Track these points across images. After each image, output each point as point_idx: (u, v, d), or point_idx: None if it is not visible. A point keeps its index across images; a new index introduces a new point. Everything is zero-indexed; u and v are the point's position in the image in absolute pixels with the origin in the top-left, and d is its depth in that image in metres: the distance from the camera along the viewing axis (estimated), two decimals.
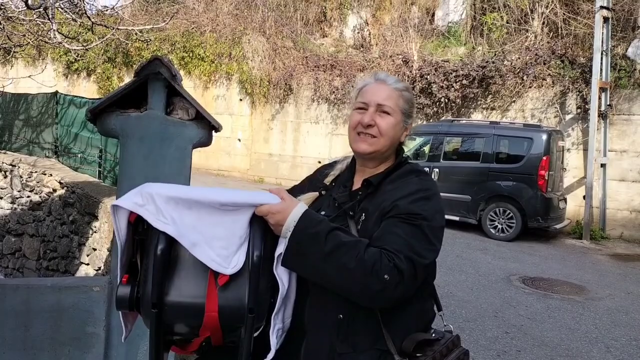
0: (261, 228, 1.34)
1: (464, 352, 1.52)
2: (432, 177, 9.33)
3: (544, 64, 10.54)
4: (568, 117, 10.39)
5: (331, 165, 1.74)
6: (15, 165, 10.36)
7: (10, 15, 6.96)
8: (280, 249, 1.36)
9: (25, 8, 5.77)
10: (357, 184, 1.60)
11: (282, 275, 1.37)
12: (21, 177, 10.04)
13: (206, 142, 2.67)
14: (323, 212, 1.53)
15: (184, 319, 1.31)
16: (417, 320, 1.47)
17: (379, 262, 1.28)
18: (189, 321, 1.31)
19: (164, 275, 1.27)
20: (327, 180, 1.66)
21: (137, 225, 1.35)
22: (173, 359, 2.48)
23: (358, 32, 14.56)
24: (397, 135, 1.57)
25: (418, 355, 1.39)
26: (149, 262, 1.29)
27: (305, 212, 1.35)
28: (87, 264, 7.38)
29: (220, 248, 1.29)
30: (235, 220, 1.32)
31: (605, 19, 9.68)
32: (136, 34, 11.04)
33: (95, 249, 7.17)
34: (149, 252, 1.30)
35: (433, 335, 1.46)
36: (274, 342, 1.38)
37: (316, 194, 1.62)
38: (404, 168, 1.56)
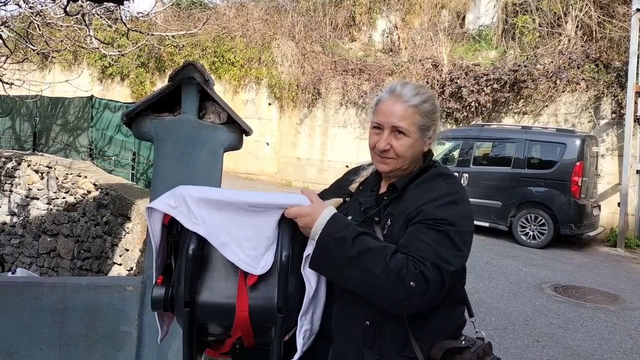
0: (290, 229, 1.36)
1: None
2: (462, 182, 9.27)
3: (578, 68, 10.33)
4: (602, 122, 10.15)
5: (356, 171, 1.72)
6: (51, 167, 10.66)
7: (48, 21, 7.17)
8: (309, 249, 1.37)
9: (64, 14, 5.95)
10: (384, 188, 1.59)
11: (309, 276, 1.38)
12: (57, 178, 10.33)
13: (237, 145, 2.71)
14: (350, 217, 1.52)
15: (215, 318, 1.33)
16: (446, 327, 1.44)
17: (405, 268, 1.27)
18: (220, 320, 1.34)
19: (195, 274, 1.29)
20: (352, 187, 1.65)
21: (171, 227, 1.39)
22: None
23: (387, 36, 14.53)
24: (416, 152, 1.53)
25: None
26: (182, 263, 1.32)
27: (333, 215, 1.35)
28: (120, 264, 7.54)
29: (249, 249, 1.32)
30: (264, 222, 1.34)
31: None
32: (169, 39, 11.26)
33: (127, 250, 7.32)
34: (182, 253, 1.33)
35: (463, 342, 1.43)
36: (300, 342, 1.38)
37: (340, 200, 1.61)
38: (431, 172, 1.53)
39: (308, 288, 1.38)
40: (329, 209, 1.37)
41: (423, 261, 1.28)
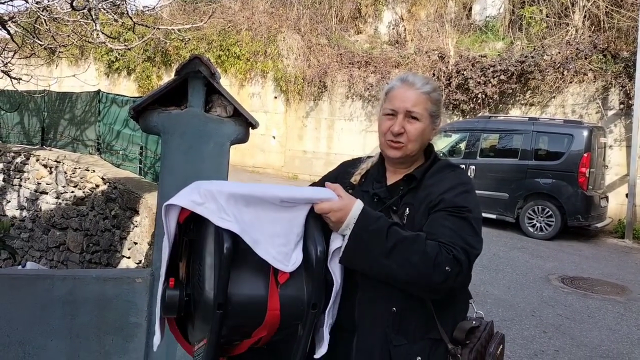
0: (319, 224, 1.35)
1: (502, 337, 1.57)
2: (469, 174, 9.25)
3: (585, 58, 10.26)
4: (610, 112, 10.08)
5: (354, 164, 1.75)
6: (60, 162, 10.73)
7: (55, 16, 7.20)
8: (336, 244, 1.36)
9: (70, 9, 5.98)
10: (391, 179, 1.63)
11: (336, 270, 1.38)
12: (65, 173, 10.40)
13: (243, 138, 2.72)
14: None
15: (244, 318, 1.28)
16: (462, 309, 1.53)
17: (440, 254, 1.33)
18: (249, 321, 1.29)
19: (229, 274, 1.23)
20: (354, 180, 1.68)
21: (187, 225, 1.34)
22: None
23: (393, 28, 14.46)
24: (426, 138, 1.60)
25: (467, 342, 1.44)
26: (204, 263, 1.27)
27: (363, 209, 1.38)
28: (129, 257, 7.60)
29: (280, 245, 1.29)
30: (293, 218, 1.32)
31: None
32: (175, 33, 11.28)
33: (136, 243, 7.38)
34: (203, 253, 1.28)
35: (474, 322, 1.51)
36: (327, 337, 1.39)
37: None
38: (439, 163, 1.60)
39: (335, 282, 1.38)
40: (358, 202, 1.39)
41: (454, 246, 1.35)
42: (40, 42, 7.61)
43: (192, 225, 1.34)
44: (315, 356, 1.38)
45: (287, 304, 1.28)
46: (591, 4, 10.72)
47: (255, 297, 1.27)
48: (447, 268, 1.32)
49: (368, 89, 13.08)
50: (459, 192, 1.47)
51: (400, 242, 1.33)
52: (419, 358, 1.42)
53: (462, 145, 9.95)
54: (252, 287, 1.28)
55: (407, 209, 1.50)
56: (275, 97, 14.88)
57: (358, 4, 14.94)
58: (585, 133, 8.58)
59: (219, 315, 1.22)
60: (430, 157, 1.62)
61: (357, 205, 1.37)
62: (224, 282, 1.22)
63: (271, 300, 1.27)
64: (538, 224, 8.84)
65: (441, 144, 10.05)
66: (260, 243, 1.27)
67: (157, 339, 1.43)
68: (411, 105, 1.53)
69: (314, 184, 1.79)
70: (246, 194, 1.28)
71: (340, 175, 1.74)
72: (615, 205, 9.75)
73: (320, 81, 13.98)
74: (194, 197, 1.27)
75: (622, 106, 9.89)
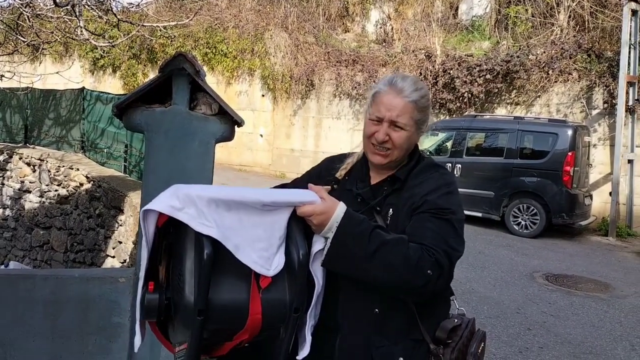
0: (301, 226, 1.33)
1: (483, 334, 1.57)
2: (454, 173, 9.31)
3: (570, 58, 10.36)
4: (594, 112, 10.20)
5: (340, 159, 1.73)
6: (43, 160, 10.60)
7: (38, 12, 7.10)
8: (318, 246, 1.35)
9: (54, 6, 5.89)
10: (375, 178, 1.61)
11: (317, 272, 1.37)
12: (49, 171, 10.27)
13: (229, 137, 2.70)
14: None
15: (226, 323, 1.27)
16: (444, 308, 1.53)
17: (422, 258, 1.31)
18: (230, 325, 1.28)
19: (210, 280, 1.21)
20: (339, 175, 1.66)
21: (167, 229, 1.32)
22: None
23: (380, 27, 14.49)
24: (411, 144, 1.56)
25: (449, 342, 1.44)
26: (184, 267, 1.25)
27: (346, 212, 1.36)
28: (113, 257, 7.53)
29: (261, 250, 1.28)
30: (275, 221, 1.30)
31: (634, 12, 9.47)
32: (160, 30, 11.18)
33: (120, 242, 7.31)
34: (183, 257, 1.26)
35: (456, 320, 1.51)
36: (309, 338, 1.38)
37: (329, 187, 1.61)
38: (423, 163, 1.59)
39: (317, 284, 1.37)
40: (341, 205, 1.37)
41: (436, 249, 1.34)
42: (23, 39, 7.50)
43: (171, 229, 1.32)
44: (298, 357, 1.37)
45: (269, 308, 1.27)
46: (576, 4, 10.82)
47: (236, 302, 1.26)
48: (428, 271, 1.31)
49: (355, 87, 13.09)
50: (442, 193, 1.46)
51: (383, 246, 1.32)
52: (401, 359, 1.42)
53: (449, 144, 9.99)
54: (234, 291, 1.26)
55: (391, 209, 1.49)
56: (263, 95, 14.83)
57: (345, 3, 14.94)
58: (570, 132, 8.66)
59: (199, 322, 1.21)
60: (415, 157, 1.60)
61: (340, 208, 1.35)
62: (205, 288, 1.20)
63: (253, 305, 1.26)
64: (523, 222, 8.92)
65: (427, 143, 10.09)
66: (242, 248, 1.25)
67: (137, 341, 1.40)
68: (396, 116, 1.50)
69: (296, 180, 1.79)
70: (227, 198, 1.26)
71: (324, 170, 1.72)
72: (599, 203, 9.86)
73: (307, 79, 13.96)
74: (173, 202, 1.24)
75: (606, 105, 10.01)
